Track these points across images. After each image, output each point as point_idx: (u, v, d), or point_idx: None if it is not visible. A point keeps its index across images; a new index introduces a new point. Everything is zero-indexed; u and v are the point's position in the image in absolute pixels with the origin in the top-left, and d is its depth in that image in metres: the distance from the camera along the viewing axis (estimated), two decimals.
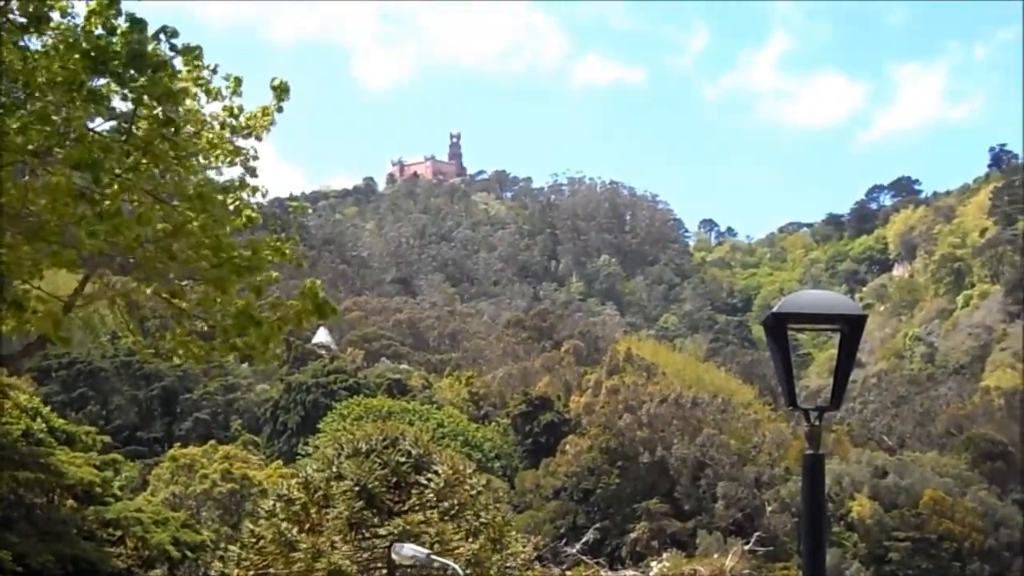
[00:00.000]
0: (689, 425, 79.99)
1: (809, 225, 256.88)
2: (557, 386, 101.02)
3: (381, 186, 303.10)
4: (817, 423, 7.46)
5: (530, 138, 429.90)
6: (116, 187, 9.55)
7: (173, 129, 9.62)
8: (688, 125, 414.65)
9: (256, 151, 10.91)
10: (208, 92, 10.35)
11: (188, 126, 10.09)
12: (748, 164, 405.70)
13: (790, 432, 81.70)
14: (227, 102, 10.69)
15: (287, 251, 11.04)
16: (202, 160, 10.53)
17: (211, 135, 10.60)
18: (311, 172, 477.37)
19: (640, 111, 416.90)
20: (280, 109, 10.90)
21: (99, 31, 9.16)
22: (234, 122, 10.63)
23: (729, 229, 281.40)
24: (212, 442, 68.63)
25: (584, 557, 53.16)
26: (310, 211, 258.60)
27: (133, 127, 9.37)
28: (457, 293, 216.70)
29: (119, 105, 9.42)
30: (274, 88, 10.80)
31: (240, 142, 10.79)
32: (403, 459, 25.39)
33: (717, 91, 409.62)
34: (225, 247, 10.56)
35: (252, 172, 10.88)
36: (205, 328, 11.43)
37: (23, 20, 8.97)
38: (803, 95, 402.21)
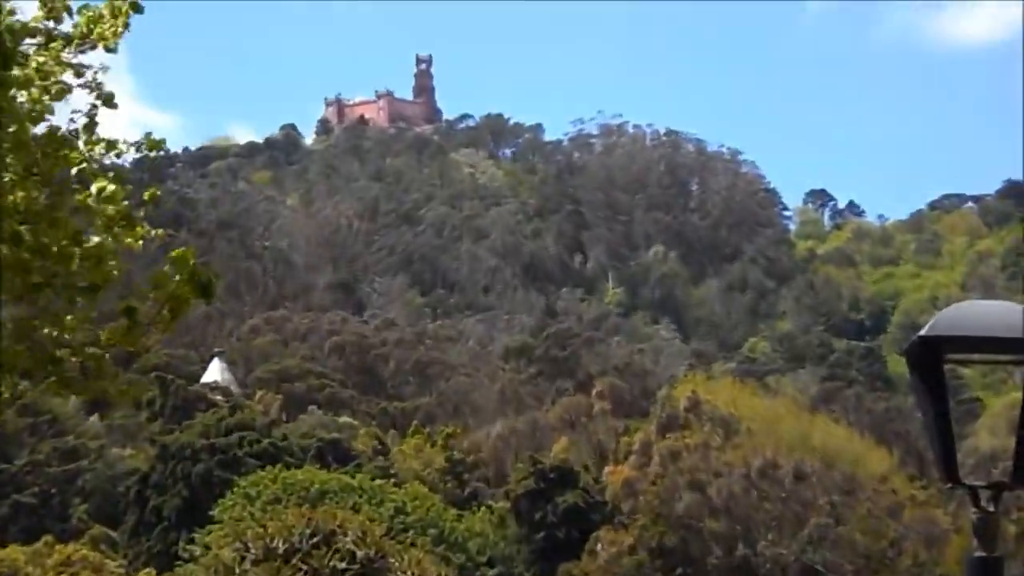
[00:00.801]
0: (789, 511, 79.82)
1: (976, 199, 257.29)
2: (584, 450, 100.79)
3: (309, 139, 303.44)
4: (991, 508, 7.45)
5: (537, 66, 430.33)
6: None
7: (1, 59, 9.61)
8: (781, 46, 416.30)
9: (104, 72, 10.87)
10: None
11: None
12: (875, 104, 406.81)
13: (948, 522, 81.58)
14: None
15: (141, 222, 10.98)
16: (35, 97, 10.51)
17: (44, 57, 10.60)
18: (198, 121, 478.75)
19: (706, 26, 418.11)
20: (138, 8, 10.88)
21: None
22: (70, 29, 10.62)
23: (851, 205, 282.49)
24: (46, 538, 68.40)
25: None
26: (198, 179, 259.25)
27: None
28: (428, 305, 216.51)
29: None
30: None
31: (77, 59, 10.78)
32: (343, 564, 25.23)
33: None
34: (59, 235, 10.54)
35: (107, 101, 10.84)
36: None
37: None
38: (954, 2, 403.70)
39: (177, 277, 10.85)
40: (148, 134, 11.59)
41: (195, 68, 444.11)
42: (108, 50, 10.73)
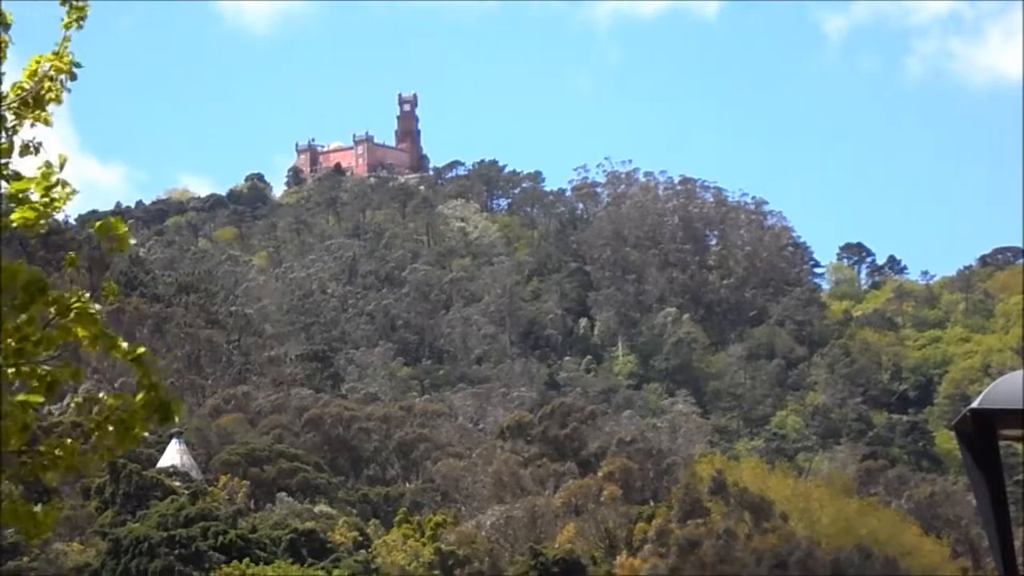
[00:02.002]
0: None
1: None
2: (592, 539, 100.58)
3: (278, 191, 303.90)
4: None
5: (536, 107, 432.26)
6: None
7: None
8: (805, 82, 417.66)
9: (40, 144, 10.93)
10: None
11: None
12: (916, 147, 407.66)
13: None
14: None
15: (90, 310, 10.90)
16: None
17: None
18: (149, 172, 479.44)
19: (719, 61, 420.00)
20: (79, 21, 10.90)
21: None
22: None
23: (892, 260, 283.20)
24: None
25: None
26: (153, 236, 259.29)
27: None
28: (414, 377, 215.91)
29: None
30: None
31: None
32: None
33: (846, 25, 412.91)
34: None
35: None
36: None
37: None
38: (998, 29, 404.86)
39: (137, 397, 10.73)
40: (102, 222, 11.49)
41: (144, 113, 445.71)
42: (39, 108, 10.78)
